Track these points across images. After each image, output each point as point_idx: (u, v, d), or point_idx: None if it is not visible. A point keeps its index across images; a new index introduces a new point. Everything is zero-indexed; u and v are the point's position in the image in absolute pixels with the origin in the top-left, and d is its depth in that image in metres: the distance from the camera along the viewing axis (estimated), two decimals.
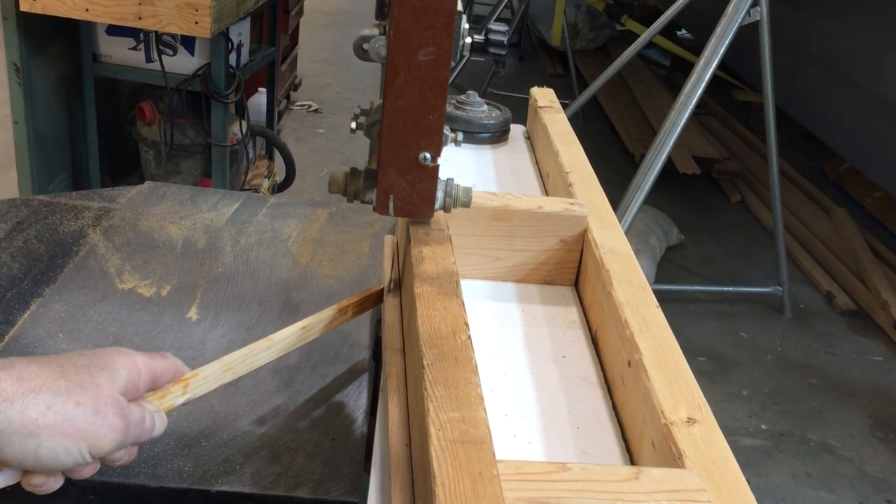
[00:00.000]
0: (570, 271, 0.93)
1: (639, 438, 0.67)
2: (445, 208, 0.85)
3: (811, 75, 3.80)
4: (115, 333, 0.88)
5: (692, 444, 0.58)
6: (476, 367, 0.63)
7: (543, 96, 1.33)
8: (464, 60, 3.94)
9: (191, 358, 0.87)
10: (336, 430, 0.80)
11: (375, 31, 0.87)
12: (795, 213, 3.68)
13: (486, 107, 1.34)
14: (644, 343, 0.69)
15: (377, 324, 0.95)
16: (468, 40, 0.80)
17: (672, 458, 0.58)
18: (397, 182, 0.81)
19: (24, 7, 2.18)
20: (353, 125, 0.88)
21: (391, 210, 0.82)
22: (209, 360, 0.87)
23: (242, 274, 1.02)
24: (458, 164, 1.19)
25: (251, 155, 2.90)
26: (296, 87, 4.23)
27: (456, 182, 0.86)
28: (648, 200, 2.65)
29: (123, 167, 2.79)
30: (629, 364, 0.70)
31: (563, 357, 0.81)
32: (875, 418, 2.57)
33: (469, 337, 0.67)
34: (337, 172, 0.87)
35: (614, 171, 3.88)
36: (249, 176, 2.93)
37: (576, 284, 0.94)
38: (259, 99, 3.25)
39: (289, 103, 4.17)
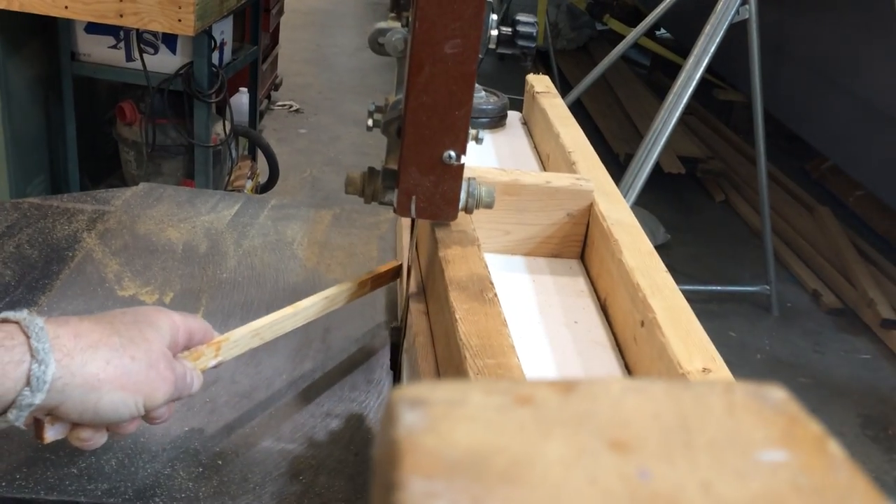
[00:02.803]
0: (576, 244, 0.97)
1: None
2: (468, 209, 0.82)
3: (792, 75, 3.82)
4: None
5: None
6: (505, 320, 0.67)
7: (540, 82, 1.37)
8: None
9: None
10: (358, 444, 0.75)
11: (392, 24, 0.83)
12: (779, 211, 3.69)
13: (483, 93, 1.36)
14: (657, 304, 0.72)
15: (393, 331, 0.91)
16: (494, 32, 0.76)
17: None
18: (420, 182, 0.77)
19: (0, 5, 2.10)
20: (370, 122, 0.83)
21: (413, 211, 0.78)
22: (219, 373, 0.82)
23: (248, 279, 0.98)
24: None
25: (234, 155, 2.84)
26: (276, 87, 4.16)
27: (476, 181, 0.83)
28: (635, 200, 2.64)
29: (103, 168, 2.71)
30: (642, 324, 0.73)
31: (575, 322, 0.84)
32: (865, 416, 2.57)
33: (496, 295, 0.71)
34: (353, 172, 0.82)
35: None
36: (232, 177, 2.87)
37: (581, 257, 0.97)
38: (241, 99, 3.19)
39: (270, 103, 4.11)
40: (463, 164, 0.77)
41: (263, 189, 3.18)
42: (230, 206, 1.14)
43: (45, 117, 2.47)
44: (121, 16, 2.16)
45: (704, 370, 0.63)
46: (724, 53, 3.07)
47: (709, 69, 4.50)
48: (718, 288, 3.14)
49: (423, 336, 0.79)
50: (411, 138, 0.76)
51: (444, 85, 0.73)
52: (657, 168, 3.79)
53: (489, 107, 1.34)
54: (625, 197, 2.71)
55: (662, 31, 5.64)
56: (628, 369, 0.76)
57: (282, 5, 3.70)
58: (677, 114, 2.49)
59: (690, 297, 2.83)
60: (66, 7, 2.13)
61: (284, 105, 4.18)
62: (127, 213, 1.07)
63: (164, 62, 2.40)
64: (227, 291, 0.95)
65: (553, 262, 0.96)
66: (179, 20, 2.16)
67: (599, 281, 0.90)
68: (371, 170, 0.83)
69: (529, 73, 1.43)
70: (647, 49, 5.14)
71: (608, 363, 0.78)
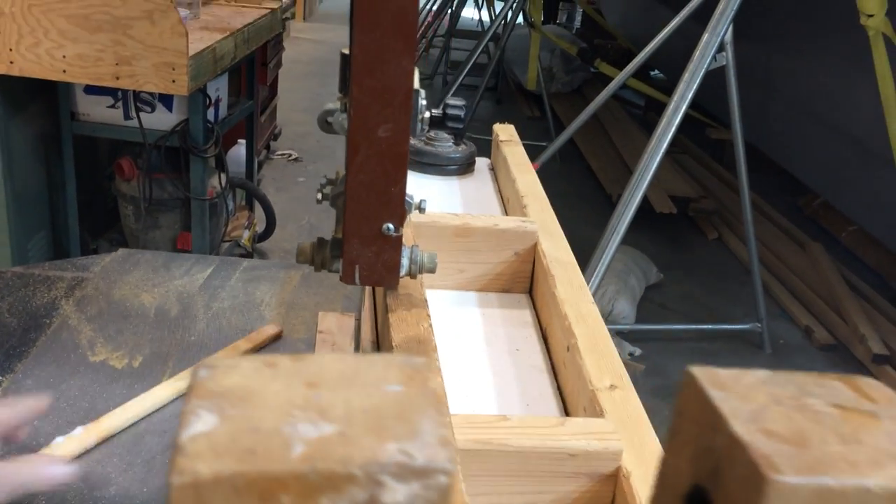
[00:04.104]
0: (524, 280, 1.05)
1: (575, 408, 0.79)
2: (411, 275, 0.87)
3: (782, 112, 3.88)
4: (86, 409, 0.88)
5: (612, 403, 0.71)
6: (436, 346, 0.75)
7: (504, 131, 1.46)
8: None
9: (162, 431, 0.88)
10: None
11: (338, 105, 0.90)
12: (771, 248, 3.73)
13: (451, 142, 1.44)
14: (579, 331, 0.81)
15: None
16: (426, 115, 0.83)
17: (596, 414, 0.71)
18: (362, 252, 0.83)
19: (0, 70, 2.20)
20: (319, 196, 0.90)
21: (357, 279, 0.84)
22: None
23: (215, 341, 1.03)
24: (428, 193, 1.26)
25: (231, 207, 2.92)
26: (276, 137, 4.26)
27: (419, 249, 0.89)
28: (627, 240, 2.68)
29: (103, 223, 2.80)
30: (568, 349, 0.82)
31: (517, 350, 0.92)
32: None
33: (431, 325, 0.79)
34: (304, 243, 0.88)
35: (593, 212, 3.93)
36: (229, 227, 2.95)
37: (530, 292, 1.05)
38: (238, 151, 3.28)
39: (269, 153, 4.20)
40: (401, 236, 0.83)
41: (261, 238, 3.26)
42: (203, 269, 1.20)
43: (46, 175, 2.56)
44: (117, 78, 2.25)
45: (611, 386, 0.73)
46: (715, 94, 3.13)
47: (701, 109, 4.58)
48: (710, 326, 3.17)
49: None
50: (352, 213, 0.82)
51: (379, 165, 0.80)
52: (650, 208, 3.85)
53: (457, 155, 1.42)
54: (612, 235, 2.74)
55: (656, 71, 5.74)
56: (559, 389, 0.84)
57: (280, 59, 3.81)
58: (658, 157, 2.56)
59: (682, 337, 2.86)
60: (65, 71, 2.23)
61: (284, 154, 4.28)
62: (104, 280, 1.13)
63: (161, 119, 2.49)
64: (195, 354, 1.00)
65: (503, 297, 1.04)
66: (174, 81, 2.26)
67: (542, 312, 0.99)
68: (321, 240, 0.89)
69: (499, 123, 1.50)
70: (641, 91, 5.22)
71: (542, 384, 0.85)
